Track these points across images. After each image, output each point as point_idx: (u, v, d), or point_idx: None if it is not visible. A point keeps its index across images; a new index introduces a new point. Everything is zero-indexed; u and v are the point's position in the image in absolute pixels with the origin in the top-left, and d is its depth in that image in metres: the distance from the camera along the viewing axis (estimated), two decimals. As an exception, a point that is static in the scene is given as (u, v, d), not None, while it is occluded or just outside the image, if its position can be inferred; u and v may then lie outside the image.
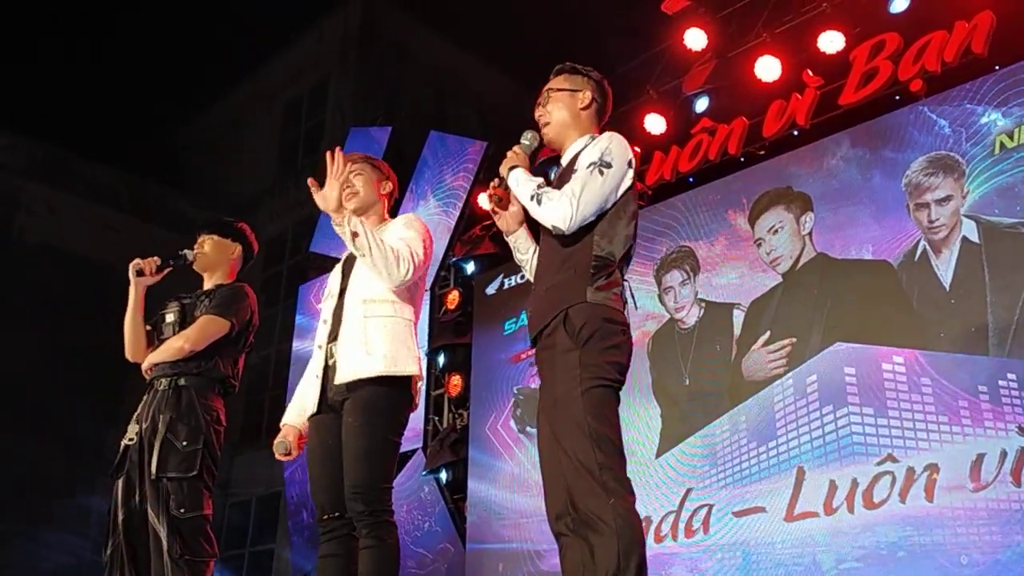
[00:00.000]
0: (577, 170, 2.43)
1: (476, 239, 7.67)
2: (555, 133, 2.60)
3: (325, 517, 2.76)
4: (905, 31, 5.24)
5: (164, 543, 3.05)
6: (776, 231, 5.48)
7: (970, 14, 4.92)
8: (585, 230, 2.40)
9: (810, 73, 5.66)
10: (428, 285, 7.12)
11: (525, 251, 2.70)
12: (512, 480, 6.49)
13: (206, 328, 3.32)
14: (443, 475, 7.11)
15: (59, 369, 10.21)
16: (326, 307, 2.98)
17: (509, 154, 2.59)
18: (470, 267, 7.66)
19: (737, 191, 5.77)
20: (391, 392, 2.77)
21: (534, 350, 2.53)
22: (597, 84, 2.64)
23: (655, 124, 6.51)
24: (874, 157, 5.15)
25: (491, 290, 7.22)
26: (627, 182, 2.45)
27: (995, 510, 4.18)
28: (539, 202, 2.39)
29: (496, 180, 2.61)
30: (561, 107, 2.59)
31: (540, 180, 2.48)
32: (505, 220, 2.68)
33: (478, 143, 7.99)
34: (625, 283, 2.52)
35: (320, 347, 2.91)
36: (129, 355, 3.41)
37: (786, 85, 5.81)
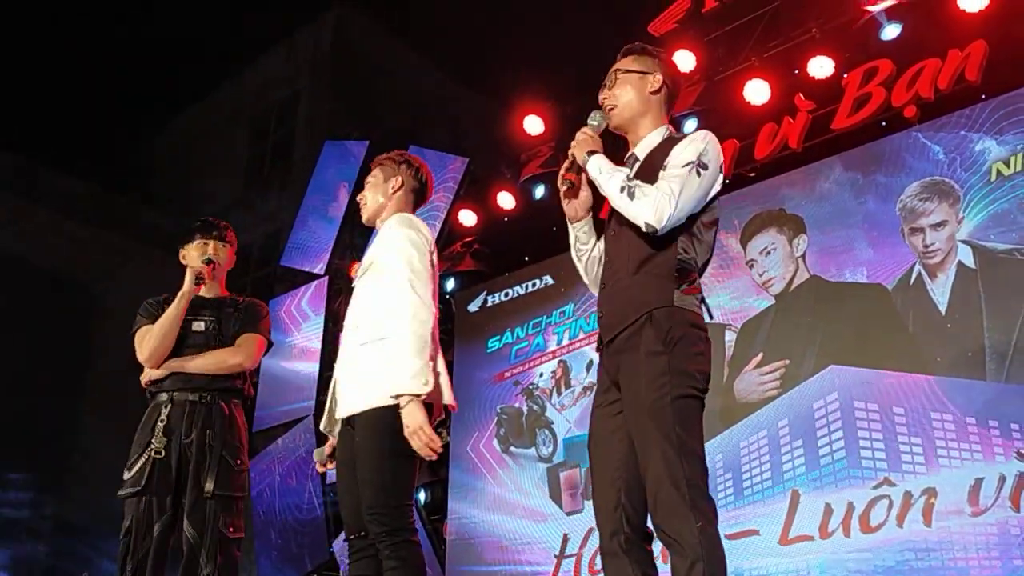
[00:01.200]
0: (667, 166, 2.28)
1: (457, 255, 7.58)
2: (623, 118, 2.43)
3: (352, 537, 2.64)
4: (896, 58, 5.30)
5: (203, 567, 2.91)
6: (768, 253, 5.48)
7: (963, 43, 4.99)
8: (668, 232, 2.26)
9: (802, 97, 5.70)
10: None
11: (587, 242, 2.50)
12: (495, 501, 6.37)
13: (255, 346, 3.27)
14: (422, 495, 6.96)
15: (23, 383, 9.87)
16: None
17: (581, 137, 2.39)
18: (451, 284, 7.56)
19: (728, 212, 5.75)
20: (388, 407, 2.62)
21: (599, 353, 2.38)
22: (668, 69, 2.49)
23: (643, 144, 6.50)
24: (867, 181, 5.19)
25: (474, 307, 7.12)
26: (718, 186, 2.34)
27: (994, 535, 4.18)
28: (631, 196, 2.22)
29: (567, 163, 2.41)
30: (630, 89, 2.42)
31: (627, 171, 2.32)
32: (574, 207, 2.46)
33: (459, 159, 7.91)
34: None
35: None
36: (153, 359, 3.17)
37: (775, 108, 5.84)
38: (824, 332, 5.10)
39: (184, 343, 3.22)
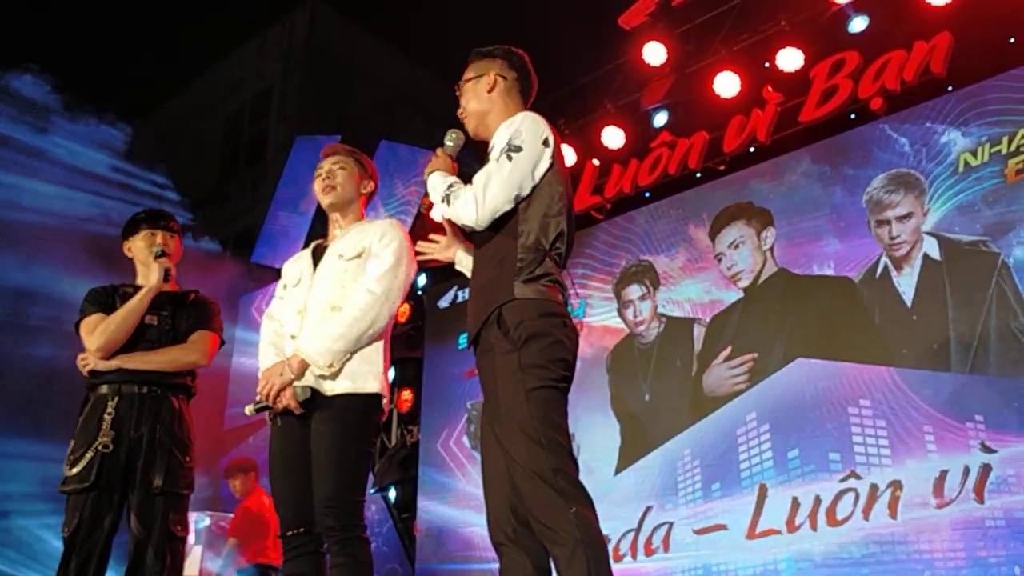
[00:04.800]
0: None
1: (428, 251, 7.51)
2: (474, 125, 2.49)
3: (289, 533, 2.57)
4: (864, 50, 5.29)
5: (150, 565, 2.84)
6: (737, 246, 5.46)
7: (929, 35, 4.98)
8: (507, 221, 2.26)
9: (770, 89, 5.68)
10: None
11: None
12: (465, 498, 6.32)
13: (210, 344, 3.21)
14: (392, 493, 6.90)
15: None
16: (297, 295, 2.78)
17: (432, 158, 2.48)
18: (422, 279, 7.49)
19: (698, 205, 5.74)
20: (363, 400, 2.63)
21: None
22: (505, 59, 2.50)
23: (613, 137, 6.46)
24: (835, 173, 5.17)
25: (444, 303, 7.06)
26: (544, 163, 2.29)
27: (959, 526, 4.17)
28: (448, 202, 2.29)
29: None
30: (471, 97, 2.48)
31: (453, 180, 2.35)
32: (442, 250, 2.60)
33: (430, 154, 7.84)
34: (565, 271, 2.38)
35: (293, 336, 2.72)
36: (104, 350, 3.05)
37: (746, 101, 5.81)
38: (792, 325, 5.08)
39: (137, 338, 3.12)
